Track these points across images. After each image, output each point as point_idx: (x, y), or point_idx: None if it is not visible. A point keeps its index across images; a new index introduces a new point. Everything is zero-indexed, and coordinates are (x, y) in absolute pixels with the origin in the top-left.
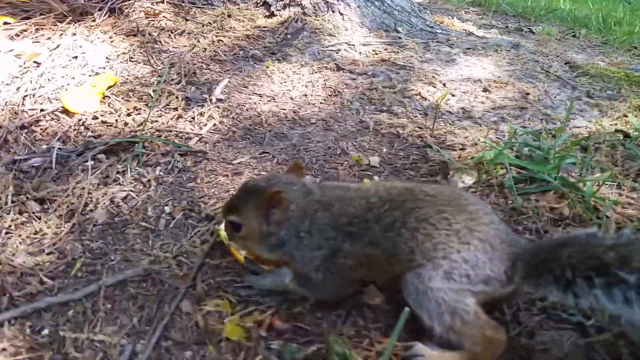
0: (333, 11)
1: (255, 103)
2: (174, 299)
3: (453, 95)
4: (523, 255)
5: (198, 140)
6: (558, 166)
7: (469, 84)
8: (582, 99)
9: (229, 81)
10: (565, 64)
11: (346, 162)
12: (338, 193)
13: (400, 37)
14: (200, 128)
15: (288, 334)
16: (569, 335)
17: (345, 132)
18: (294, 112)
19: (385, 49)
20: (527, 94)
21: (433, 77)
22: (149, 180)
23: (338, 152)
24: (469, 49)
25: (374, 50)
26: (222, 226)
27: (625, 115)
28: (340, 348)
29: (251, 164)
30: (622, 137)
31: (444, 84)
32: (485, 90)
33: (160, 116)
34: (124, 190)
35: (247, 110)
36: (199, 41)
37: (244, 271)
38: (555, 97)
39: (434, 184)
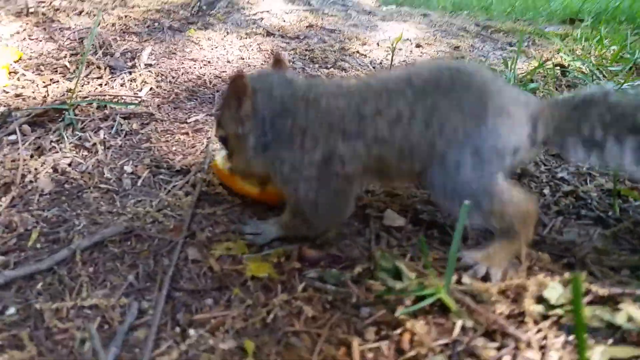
0: None
1: (190, 67)
2: (173, 251)
3: (390, 53)
4: (542, 115)
5: (138, 104)
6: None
7: (400, 42)
8: (506, 48)
9: (153, 49)
10: (477, 25)
11: None
12: (326, 87)
13: (317, 7)
14: (136, 93)
15: (322, 262)
16: (594, 229)
17: None
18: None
19: (310, 16)
20: (457, 47)
21: (364, 38)
22: (94, 145)
23: None
24: (385, 16)
25: (298, 17)
26: (219, 159)
27: (558, 52)
28: (388, 263)
29: (209, 121)
30: (560, 70)
31: (378, 44)
32: (418, 46)
33: (84, 85)
34: (67, 157)
35: (183, 74)
36: (103, 18)
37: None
38: (482, 48)
39: (429, 64)
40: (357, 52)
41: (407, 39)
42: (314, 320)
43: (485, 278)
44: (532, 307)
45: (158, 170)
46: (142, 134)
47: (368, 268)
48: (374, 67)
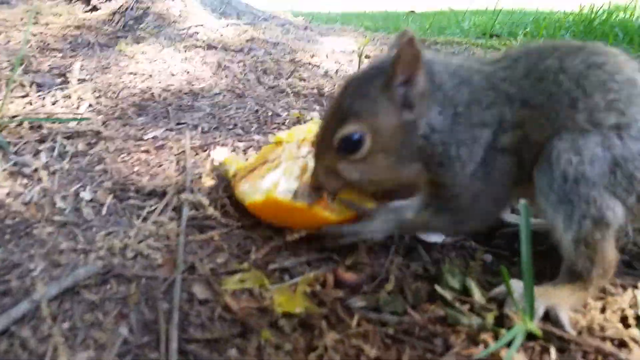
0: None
1: (130, 81)
2: (171, 291)
3: (342, 63)
4: None
5: (81, 120)
6: None
7: (345, 54)
8: None
9: (83, 64)
10: None
11: (287, 120)
12: (471, 59)
13: (252, 22)
14: (73, 111)
15: (364, 285)
16: None
17: (263, 97)
18: (190, 85)
19: (250, 29)
20: None
21: (312, 50)
22: (35, 170)
23: (270, 114)
24: (321, 31)
25: (237, 31)
26: (243, 184)
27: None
28: (455, 281)
29: (169, 137)
30: None
31: (327, 55)
32: (367, 57)
33: (8, 104)
34: (3, 187)
35: (124, 88)
36: (12, 36)
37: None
38: None
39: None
40: (309, 63)
41: (353, 51)
42: None
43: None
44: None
45: (125, 194)
46: (92, 155)
47: (416, 288)
48: (330, 77)
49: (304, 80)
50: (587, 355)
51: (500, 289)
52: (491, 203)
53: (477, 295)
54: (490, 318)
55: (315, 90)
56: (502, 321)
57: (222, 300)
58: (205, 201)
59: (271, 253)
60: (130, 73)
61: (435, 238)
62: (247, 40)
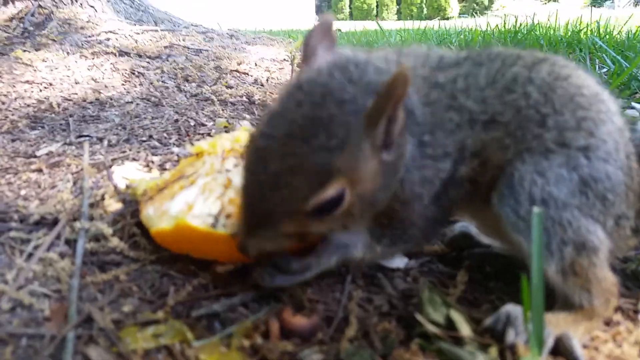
0: (81, 4)
1: (25, 91)
2: (60, 354)
3: (273, 71)
4: None
5: None
6: None
7: (276, 62)
8: None
9: None
10: None
11: (213, 130)
12: (424, 59)
13: (172, 29)
14: None
15: (317, 329)
16: None
17: (184, 106)
18: (97, 93)
19: (169, 35)
20: None
21: (239, 58)
22: None
23: (192, 124)
24: (248, 41)
25: (154, 37)
26: (148, 207)
27: None
28: (437, 312)
29: (67, 151)
30: None
31: (255, 63)
32: (299, 65)
33: None
34: None
35: (17, 99)
36: None
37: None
38: None
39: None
40: (237, 70)
41: (284, 59)
42: None
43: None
44: None
45: (5, 225)
46: None
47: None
48: (261, 85)
49: (231, 87)
50: None
51: (497, 317)
52: (440, 226)
53: (465, 329)
54: (493, 352)
55: (244, 98)
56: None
57: None
58: (108, 230)
59: (195, 294)
60: (26, 82)
61: (397, 263)
62: (166, 47)
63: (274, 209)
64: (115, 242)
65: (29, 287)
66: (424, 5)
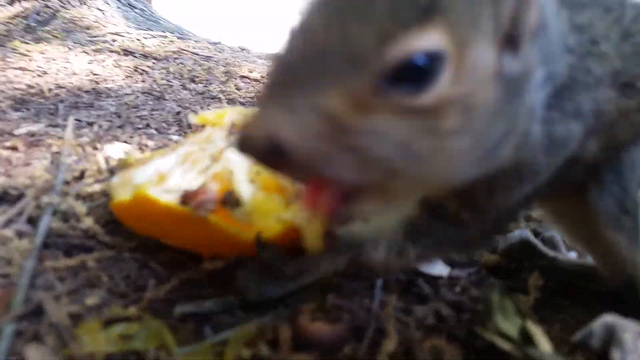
0: (89, 7)
1: (16, 76)
2: None
3: None
4: None
5: None
6: None
7: None
8: None
9: None
10: None
11: None
12: None
13: (182, 38)
14: None
15: (343, 341)
16: None
17: (189, 101)
18: (94, 84)
19: (177, 41)
20: None
21: (249, 66)
22: None
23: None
24: (260, 56)
25: (161, 42)
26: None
27: None
28: (510, 323)
29: (50, 132)
30: None
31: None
32: None
33: None
34: None
35: (5, 83)
36: None
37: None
38: None
39: None
40: (247, 76)
41: None
42: None
43: None
44: None
45: None
46: None
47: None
48: None
49: (241, 89)
50: None
51: (591, 331)
52: (507, 226)
53: (547, 346)
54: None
55: (255, 100)
56: None
57: None
58: (81, 209)
59: (181, 290)
60: (18, 68)
61: (439, 269)
62: (174, 52)
63: (332, 50)
64: (88, 222)
65: None
66: None
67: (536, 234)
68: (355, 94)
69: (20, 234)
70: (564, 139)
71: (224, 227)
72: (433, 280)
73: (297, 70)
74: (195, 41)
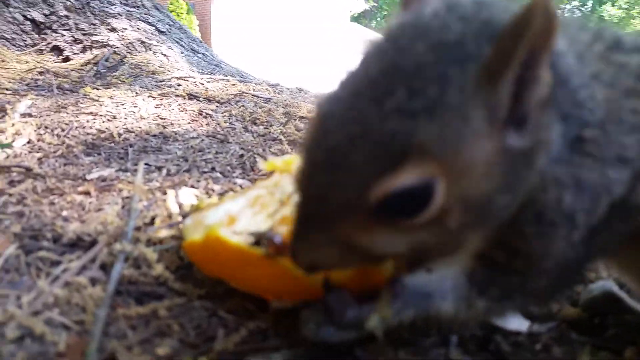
0: (154, 52)
1: (88, 121)
2: None
3: None
4: None
5: (7, 157)
6: None
7: None
8: None
9: (35, 103)
10: None
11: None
12: (596, 33)
13: (243, 79)
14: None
15: None
16: None
17: (251, 143)
18: (161, 128)
19: (239, 84)
20: None
21: (308, 107)
22: None
23: (259, 160)
24: (316, 96)
25: (224, 85)
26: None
27: None
28: None
29: (121, 177)
30: None
31: None
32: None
33: None
34: None
35: (78, 127)
36: None
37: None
38: None
39: None
40: (306, 117)
41: None
42: None
43: None
44: None
45: (36, 243)
46: (11, 194)
47: None
48: None
49: (300, 130)
50: None
51: None
52: (579, 277)
53: None
54: None
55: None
56: None
57: None
58: (153, 255)
59: (250, 340)
60: (90, 113)
61: (517, 324)
62: (235, 95)
63: (327, 199)
64: (159, 270)
65: (46, 314)
66: None
67: (621, 285)
68: (362, 224)
69: (93, 281)
70: (597, 186)
71: (293, 269)
72: (511, 335)
73: (311, 209)
74: (255, 84)
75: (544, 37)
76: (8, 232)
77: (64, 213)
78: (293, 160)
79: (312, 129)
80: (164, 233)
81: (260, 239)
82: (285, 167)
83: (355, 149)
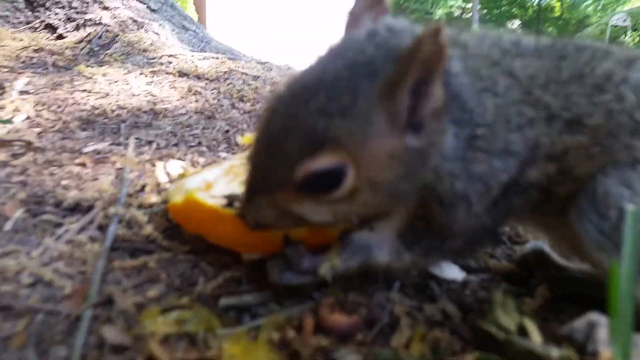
0: (146, 30)
1: (82, 98)
2: (72, 331)
3: None
4: None
5: (8, 132)
6: None
7: None
8: None
9: (31, 80)
10: None
11: None
12: (495, 40)
13: (233, 57)
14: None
15: (357, 330)
16: None
17: (237, 120)
18: (152, 104)
19: (228, 62)
20: None
21: None
22: None
23: (243, 135)
24: None
25: (214, 63)
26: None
27: None
28: (509, 318)
29: (114, 150)
30: None
31: None
32: None
33: None
34: None
35: (73, 104)
36: None
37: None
38: None
39: None
40: None
41: None
42: None
43: None
44: None
45: (40, 208)
46: (14, 166)
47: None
48: None
49: None
50: None
51: (577, 325)
52: (490, 238)
53: (538, 337)
54: (571, 351)
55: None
56: None
57: (145, 348)
58: (143, 218)
59: (226, 286)
60: (84, 90)
61: (454, 274)
62: (225, 72)
63: (267, 172)
64: (148, 230)
65: (53, 265)
66: None
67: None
68: (292, 195)
69: (92, 239)
70: (484, 174)
71: None
72: (446, 283)
73: (257, 180)
74: (245, 61)
75: (434, 61)
76: (15, 198)
77: (64, 182)
78: None
79: (261, 119)
80: (153, 199)
81: (232, 201)
82: None
83: (288, 137)
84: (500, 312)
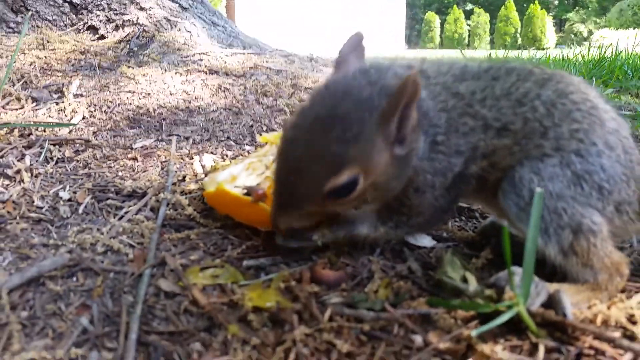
0: (179, 29)
1: (127, 99)
2: (138, 285)
3: None
4: None
5: (70, 125)
6: None
7: None
8: None
9: (82, 83)
10: None
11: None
12: (448, 68)
13: (259, 52)
14: (65, 121)
15: (343, 283)
16: None
17: (260, 115)
18: (187, 103)
19: (254, 57)
20: None
21: (314, 78)
22: (17, 172)
23: (265, 129)
24: (327, 64)
25: (241, 59)
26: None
27: None
28: (455, 271)
29: (159, 146)
30: None
31: None
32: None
33: (0, 114)
34: None
35: (120, 104)
36: (18, 57)
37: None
38: None
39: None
40: (310, 88)
41: None
42: (351, 357)
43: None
44: None
45: (104, 195)
46: (78, 161)
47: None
48: None
49: (302, 101)
50: (582, 354)
51: (500, 275)
52: (446, 215)
53: (474, 284)
54: (489, 291)
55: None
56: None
57: (190, 295)
58: (185, 202)
59: (247, 252)
60: (128, 91)
61: (425, 242)
62: (250, 68)
63: (298, 191)
64: (190, 211)
65: (119, 238)
66: (518, 35)
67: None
68: (319, 204)
69: (147, 218)
70: (444, 169)
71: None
72: (417, 249)
73: (286, 197)
74: (269, 54)
75: (412, 95)
76: (84, 187)
77: (120, 174)
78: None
79: (282, 146)
80: (192, 186)
81: (250, 191)
82: (274, 140)
83: (314, 162)
84: (449, 267)
